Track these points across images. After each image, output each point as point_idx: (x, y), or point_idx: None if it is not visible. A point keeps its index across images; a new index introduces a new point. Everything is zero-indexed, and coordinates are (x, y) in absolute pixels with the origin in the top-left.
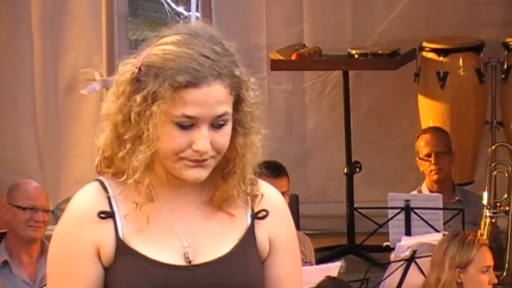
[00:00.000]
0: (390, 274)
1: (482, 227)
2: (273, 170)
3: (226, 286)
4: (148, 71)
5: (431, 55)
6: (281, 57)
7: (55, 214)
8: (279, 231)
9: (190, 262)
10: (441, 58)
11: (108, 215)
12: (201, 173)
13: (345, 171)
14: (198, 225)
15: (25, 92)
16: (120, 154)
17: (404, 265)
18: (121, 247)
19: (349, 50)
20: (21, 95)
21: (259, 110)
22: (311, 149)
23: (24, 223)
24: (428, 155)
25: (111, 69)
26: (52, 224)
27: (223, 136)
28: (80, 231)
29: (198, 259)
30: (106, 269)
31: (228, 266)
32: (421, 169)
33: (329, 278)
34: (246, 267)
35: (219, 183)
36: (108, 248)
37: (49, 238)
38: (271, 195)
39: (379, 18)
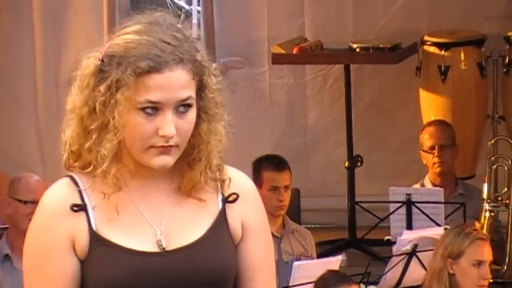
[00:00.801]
0: (391, 268)
1: (482, 221)
2: (276, 164)
3: (200, 271)
4: (111, 60)
5: (432, 49)
6: (282, 51)
7: None
8: (250, 214)
9: (163, 249)
10: (442, 52)
11: (81, 207)
12: (167, 160)
13: (346, 165)
14: (170, 212)
15: (26, 84)
16: (86, 145)
17: (406, 259)
18: (95, 239)
19: (350, 44)
20: (23, 88)
21: (221, 96)
22: (313, 143)
23: (26, 217)
24: (432, 148)
25: None
26: None
27: (188, 123)
28: (54, 224)
29: (172, 246)
30: (82, 262)
31: (201, 251)
32: (424, 162)
33: (330, 271)
34: (220, 251)
35: (185, 171)
36: (83, 240)
37: None
38: (239, 179)
39: (380, 12)
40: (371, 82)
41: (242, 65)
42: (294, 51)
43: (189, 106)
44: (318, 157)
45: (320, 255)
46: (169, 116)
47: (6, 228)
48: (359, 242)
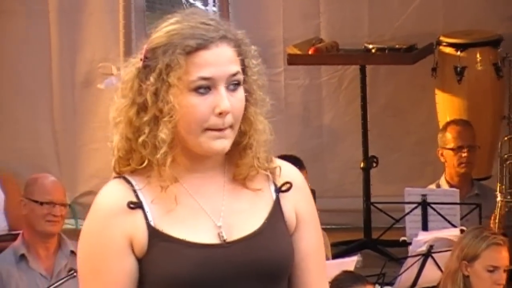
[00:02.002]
0: (406, 269)
1: (495, 212)
2: (293, 163)
3: (261, 261)
4: (155, 52)
5: (448, 49)
6: (298, 52)
7: (72, 208)
8: (302, 204)
9: (224, 240)
10: (458, 53)
11: (137, 205)
12: (224, 144)
13: (362, 165)
14: (226, 204)
15: (42, 86)
16: (140, 140)
17: (421, 260)
18: (154, 235)
19: (366, 44)
20: (39, 89)
21: (263, 80)
22: (328, 143)
23: (42, 218)
24: (460, 147)
25: None
26: (69, 218)
27: (239, 101)
28: (111, 224)
29: (232, 237)
30: (140, 260)
31: (261, 241)
32: (442, 160)
33: (345, 272)
34: (279, 241)
35: (238, 158)
36: (141, 238)
37: (66, 232)
38: (288, 169)
39: (396, 13)
40: (386, 83)
41: None
42: (310, 52)
43: (238, 84)
44: (334, 158)
45: (335, 256)
46: (222, 91)
47: (14, 234)
48: (375, 243)
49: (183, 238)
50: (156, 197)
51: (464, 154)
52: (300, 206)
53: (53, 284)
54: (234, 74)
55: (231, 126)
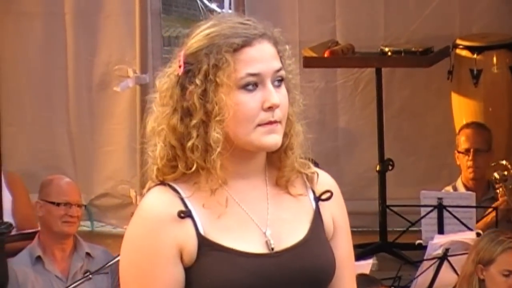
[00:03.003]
0: (422, 272)
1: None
2: None
3: (309, 269)
4: (197, 56)
5: (464, 52)
6: (313, 54)
7: (88, 210)
8: (338, 212)
9: (272, 249)
10: (474, 56)
11: (186, 214)
12: (276, 139)
13: (377, 168)
14: (271, 212)
15: (58, 88)
16: (189, 143)
17: (437, 264)
18: (204, 243)
19: (382, 47)
20: (55, 91)
21: (296, 80)
22: (344, 146)
23: (59, 219)
24: (467, 151)
25: (144, 66)
26: (84, 220)
27: (285, 97)
28: (161, 232)
29: (280, 246)
30: (188, 269)
31: (308, 249)
32: (458, 163)
33: (361, 275)
34: (323, 249)
35: (278, 161)
36: (191, 246)
37: (81, 233)
38: (326, 177)
39: (412, 15)
40: (402, 86)
41: None
42: (326, 55)
43: (282, 80)
44: (349, 161)
45: None
46: (270, 86)
47: (23, 234)
48: (390, 246)
49: (233, 247)
50: (206, 201)
51: (469, 158)
52: (336, 214)
53: (69, 286)
54: (278, 70)
55: (280, 121)
